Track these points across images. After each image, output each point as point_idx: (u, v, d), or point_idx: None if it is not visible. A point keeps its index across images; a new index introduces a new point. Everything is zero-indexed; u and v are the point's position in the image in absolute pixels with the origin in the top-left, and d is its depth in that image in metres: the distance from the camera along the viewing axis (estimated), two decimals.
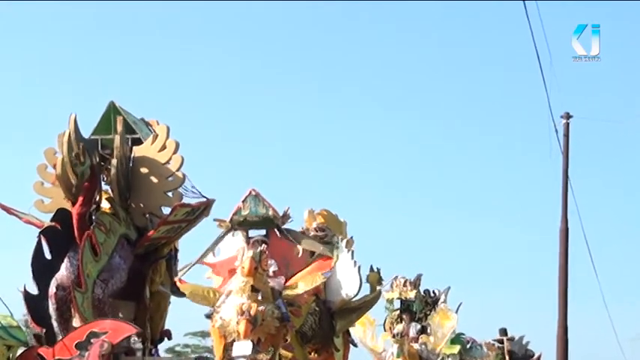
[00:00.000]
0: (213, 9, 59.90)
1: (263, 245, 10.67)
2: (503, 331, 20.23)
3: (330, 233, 11.93)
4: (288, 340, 11.13)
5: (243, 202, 11.17)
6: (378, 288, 12.89)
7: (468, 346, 17.70)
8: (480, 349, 17.86)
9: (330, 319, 11.78)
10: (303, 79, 61.72)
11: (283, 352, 11.12)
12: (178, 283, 10.04)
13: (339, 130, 60.60)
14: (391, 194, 56.47)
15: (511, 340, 20.35)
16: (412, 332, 16.21)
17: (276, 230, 11.22)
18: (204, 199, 9.23)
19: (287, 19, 60.63)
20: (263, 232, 11.30)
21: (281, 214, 11.19)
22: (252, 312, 10.05)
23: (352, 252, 11.77)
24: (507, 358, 20.06)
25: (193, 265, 10.82)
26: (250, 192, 11.20)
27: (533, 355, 20.99)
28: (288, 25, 61.56)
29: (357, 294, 11.83)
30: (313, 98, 60.98)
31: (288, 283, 10.83)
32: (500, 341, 19.88)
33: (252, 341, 10.11)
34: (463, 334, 17.59)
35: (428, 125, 59.80)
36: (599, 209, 50.65)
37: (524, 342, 20.98)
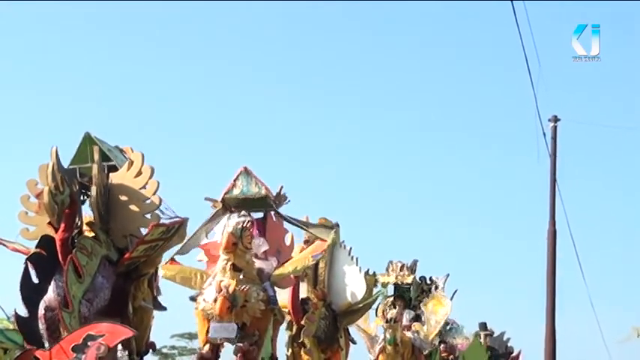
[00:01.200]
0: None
1: (245, 220, 10.30)
2: (483, 326, 20.43)
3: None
4: (308, 345, 11.77)
5: (234, 180, 10.97)
6: (374, 290, 13.53)
7: (448, 327, 17.64)
8: (460, 329, 17.88)
9: (335, 320, 12.32)
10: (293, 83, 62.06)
11: (305, 356, 11.77)
12: (167, 265, 10.22)
13: (328, 130, 60.90)
14: (378, 196, 56.87)
15: (490, 334, 20.49)
16: (405, 320, 15.82)
17: (272, 214, 11.06)
18: (178, 218, 9.89)
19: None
20: (261, 214, 11.09)
21: (274, 193, 10.92)
22: (231, 289, 9.84)
23: (357, 259, 12.35)
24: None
25: (184, 244, 10.57)
26: (241, 170, 10.98)
27: (513, 351, 21.22)
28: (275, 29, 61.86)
29: (362, 298, 12.39)
30: (320, 101, 61.15)
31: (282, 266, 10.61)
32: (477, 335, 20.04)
33: (237, 324, 9.94)
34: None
35: (415, 127, 60.24)
36: (586, 211, 51.13)
37: (504, 338, 21.14)
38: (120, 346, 9.75)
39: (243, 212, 10.80)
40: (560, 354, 20.68)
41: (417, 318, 15.86)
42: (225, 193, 11.03)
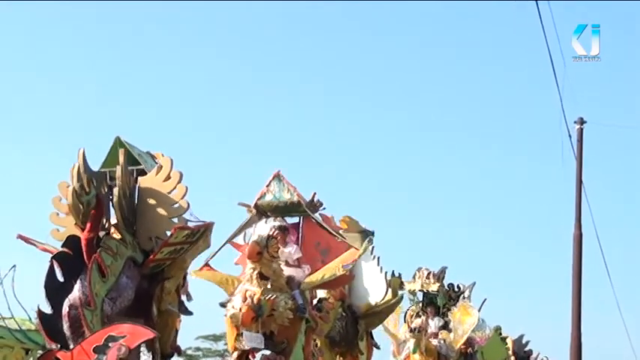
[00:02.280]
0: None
1: (273, 230, 10.25)
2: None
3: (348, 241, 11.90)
4: (319, 345, 11.58)
5: (267, 186, 11.10)
6: (399, 292, 13.22)
7: None
8: (480, 323, 17.51)
9: (355, 323, 12.10)
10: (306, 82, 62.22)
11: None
12: (200, 271, 10.37)
13: (355, 133, 60.86)
14: (407, 201, 56.67)
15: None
16: (433, 327, 15.86)
17: (312, 219, 11.10)
18: (203, 222, 10.00)
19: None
20: (296, 219, 11.18)
21: (308, 199, 10.93)
22: (255, 299, 9.81)
23: (378, 258, 12.13)
24: (512, 358, 20.12)
25: (219, 250, 10.83)
26: (275, 175, 11.07)
27: (532, 354, 21.05)
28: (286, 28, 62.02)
29: (383, 299, 12.16)
30: (320, 100, 61.25)
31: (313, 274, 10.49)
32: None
33: (264, 333, 9.89)
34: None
35: (439, 131, 60.04)
36: (613, 215, 50.56)
37: (523, 341, 21.05)
38: (144, 348, 9.92)
39: (279, 218, 10.98)
40: (586, 358, 20.41)
41: (445, 326, 15.84)
42: (258, 199, 11.13)
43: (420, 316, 15.78)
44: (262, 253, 10.02)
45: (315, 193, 11.14)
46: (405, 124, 60.20)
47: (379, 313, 12.64)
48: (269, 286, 10.09)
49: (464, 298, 16.56)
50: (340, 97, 61.64)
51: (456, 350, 16.02)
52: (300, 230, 11.44)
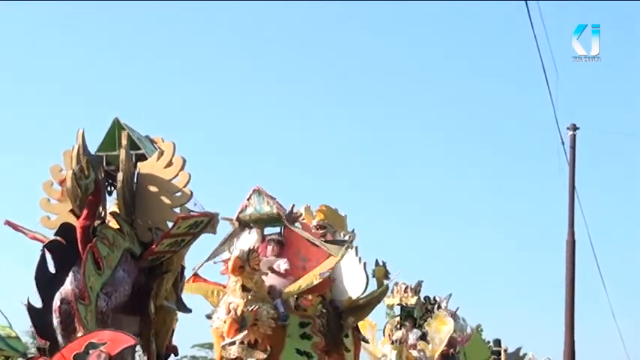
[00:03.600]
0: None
1: (255, 244, 10.72)
2: (497, 342, 20.32)
3: (330, 230, 11.87)
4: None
5: (247, 199, 11.29)
6: (385, 282, 12.83)
7: None
8: (460, 322, 17.68)
9: (339, 318, 11.63)
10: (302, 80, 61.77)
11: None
12: (188, 284, 10.24)
13: (339, 130, 60.52)
14: (390, 206, 56.36)
15: (504, 350, 20.42)
16: (412, 339, 16.29)
17: (292, 227, 11.23)
18: (207, 212, 9.26)
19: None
20: (278, 229, 11.42)
21: (286, 211, 11.20)
22: (239, 311, 10.00)
23: (356, 248, 11.70)
24: None
25: (205, 262, 11.03)
26: (254, 190, 11.32)
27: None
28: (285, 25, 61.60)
29: (364, 292, 11.71)
30: (310, 97, 60.91)
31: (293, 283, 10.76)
32: (497, 352, 19.96)
33: (249, 342, 10.10)
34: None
35: (434, 135, 59.82)
36: (606, 220, 50.52)
37: (520, 354, 21.04)
38: (139, 348, 9.21)
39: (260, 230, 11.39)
40: None
41: (423, 337, 16.20)
42: (240, 212, 11.34)
43: (400, 329, 16.26)
44: (244, 266, 10.19)
45: (293, 205, 11.36)
46: (401, 129, 59.99)
47: (364, 307, 12.11)
48: (250, 297, 10.28)
49: (439, 308, 16.92)
50: (330, 97, 61.41)
51: (436, 358, 16.26)
52: (284, 241, 11.53)
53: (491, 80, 59.45)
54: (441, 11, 55.53)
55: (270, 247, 11.29)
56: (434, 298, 17.05)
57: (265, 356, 10.29)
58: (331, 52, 60.05)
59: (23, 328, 8.40)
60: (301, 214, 11.56)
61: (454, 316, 17.46)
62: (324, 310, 11.41)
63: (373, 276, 12.47)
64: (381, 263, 13.26)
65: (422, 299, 16.85)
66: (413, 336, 16.41)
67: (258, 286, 10.36)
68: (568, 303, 20.33)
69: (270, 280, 10.92)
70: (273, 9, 56.90)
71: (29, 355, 8.09)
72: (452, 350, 17.12)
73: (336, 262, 11.03)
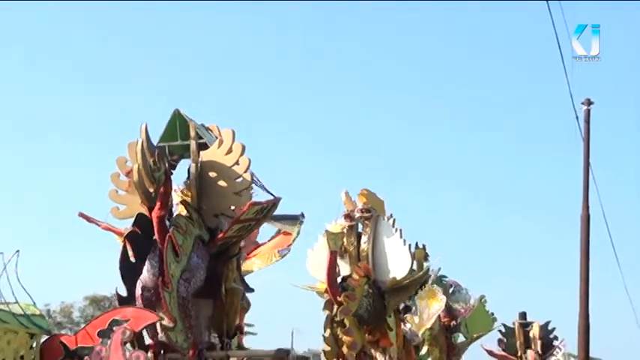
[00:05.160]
0: None
1: None
2: (523, 315, 19.86)
3: (374, 213, 11.92)
4: (347, 324, 11.14)
5: None
6: (425, 264, 12.98)
7: (451, 290, 17.18)
8: (463, 293, 17.32)
9: (382, 299, 11.70)
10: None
11: (344, 337, 11.13)
12: None
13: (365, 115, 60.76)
14: (417, 181, 56.99)
15: (529, 324, 19.90)
16: None
17: None
18: (272, 197, 9.61)
19: None
20: None
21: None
22: None
23: (400, 230, 11.81)
24: (539, 343, 19.63)
25: None
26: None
27: (557, 339, 20.92)
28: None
29: (408, 273, 11.78)
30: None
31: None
32: (525, 325, 19.39)
33: None
34: (445, 277, 17.01)
35: (447, 113, 60.36)
36: (620, 195, 50.84)
37: (549, 327, 20.90)
38: (211, 330, 9.59)
39: None
40: (594, 339, 20.32)
41: (407, 309, 15.11)
42: None
43: None
44: None
45: None
46: (420, 112, 59.98)
47: (406, 288, 12.16)
48: None
49: (431, 284, 15.92)
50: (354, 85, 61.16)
51: (420, 333, 15.56)
52: None
53: (506, 57, 59.69)
54: None
55: None
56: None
57: None
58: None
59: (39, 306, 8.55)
60: None
61: (457, 287, 17.13)
62: (370, 290, 11.52)
63: (413, 258, 12.29)
64: (420, 246, 13.30)
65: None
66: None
67: None
68: (583, 277, 20.34)
69: None
70: None
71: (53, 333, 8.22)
72: (453, 322, 16.99)
73: (293, 239, 11.17)
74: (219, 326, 9.60)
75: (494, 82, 59.79)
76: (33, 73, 61.22)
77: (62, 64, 61.49)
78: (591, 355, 20.64)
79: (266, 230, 11.66)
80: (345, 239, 11.70)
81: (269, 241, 11.77)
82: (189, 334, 8.93)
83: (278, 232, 11.63)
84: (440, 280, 16.64)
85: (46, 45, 60.88)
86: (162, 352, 8.96)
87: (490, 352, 19.15)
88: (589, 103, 20.92)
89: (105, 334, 7.99)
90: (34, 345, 7.75)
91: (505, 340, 19.26)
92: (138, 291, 8.86)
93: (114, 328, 8.07)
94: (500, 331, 19.35)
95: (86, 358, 7.65)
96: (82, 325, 8.58)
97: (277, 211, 9.86)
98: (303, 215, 11.63)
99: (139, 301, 8.84)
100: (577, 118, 20.66)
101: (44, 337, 7.97)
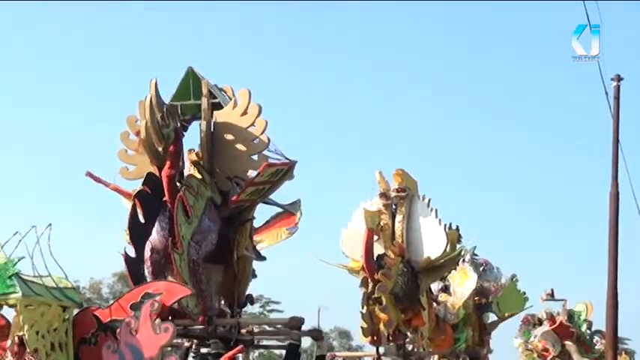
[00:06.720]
0: None
1: None
2: (551, 293, 20.02)
3: (410, 192, 11.88)
4: (384, 302, 11.16)
5: None
6: (458, 246, 12.90)
7: (482, 269, 16.88)
8: (495, 272, 17.02)
9: (415, 278, 11.70)
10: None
11: (380, 314, 11.14)
12: None
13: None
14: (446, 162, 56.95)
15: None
16: (434, 290, 15.47)
17: None
18: (288, 160, 9.21)
19: None
20: None
21: None
22: None
23: (436, 210, 11.78)
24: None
25: None
26: None
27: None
28: None
29: (443, 253, 11.78)
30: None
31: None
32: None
33: None
34: (476, 255, 16.79)
35: (476, 96, 60.37)
36: None
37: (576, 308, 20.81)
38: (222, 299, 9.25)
39: None
40: (622, 317, 20.01)
41: (446, 289, 15.50)
42: None
43: None
44: None
45: None
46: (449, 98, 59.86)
47: (439, 268, 12.21)
48: None
49: (464, 262, 15.80)
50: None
51: (455, 312, 15.49)
52: None
53: (534, 34, 59.49)
54: None
55: None
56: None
57: None
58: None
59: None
60: None
61: (488, 266, 17.19)
62: (404, 269, 11.49)
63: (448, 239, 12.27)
64: (454, 227, 13.25)
65: None
66: (435, 287, 15.64)
67: None
68: (611, 256, 20.11)
69: None
70: None
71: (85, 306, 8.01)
72: (484, 300, 16.89)
73: (299, 217, 10.93)
74: (230, 294, 9.25)
75: (523, 60, 59.65)
76: (43, 33, 60.63)
77: (75, 23, 60.76)
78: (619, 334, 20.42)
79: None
80: (382, 217, 11.72)
81: (272, 220, 11.38)
82: (199, 299, 8.56)
83: (279, 214, 11.22)
84: (472, 260, 16.41)
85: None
86: (169, 318, 8.57)
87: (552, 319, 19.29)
88: (619, 79, 20.44)
89: (137, 306, 7.73)
90: (67, 318, 7.54)
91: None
92: (147, 253, 8.50)
93: (145, 301, 7.82)
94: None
95: (118, 330, 7.41)
96: (111, 302, 8.29)
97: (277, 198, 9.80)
98: (299, 201, 11.19)
99: (147, 263, 8.50)
100: (607, 94, 20.19)
101: (76, 310, 7.75)
